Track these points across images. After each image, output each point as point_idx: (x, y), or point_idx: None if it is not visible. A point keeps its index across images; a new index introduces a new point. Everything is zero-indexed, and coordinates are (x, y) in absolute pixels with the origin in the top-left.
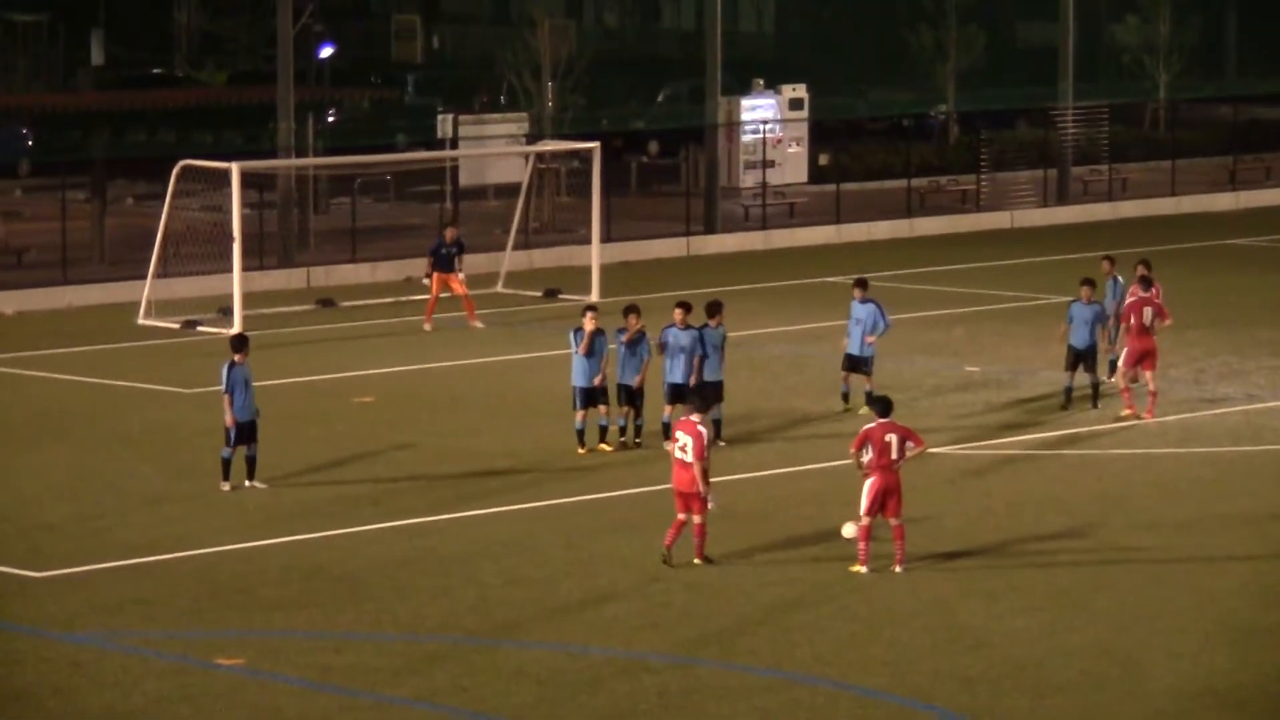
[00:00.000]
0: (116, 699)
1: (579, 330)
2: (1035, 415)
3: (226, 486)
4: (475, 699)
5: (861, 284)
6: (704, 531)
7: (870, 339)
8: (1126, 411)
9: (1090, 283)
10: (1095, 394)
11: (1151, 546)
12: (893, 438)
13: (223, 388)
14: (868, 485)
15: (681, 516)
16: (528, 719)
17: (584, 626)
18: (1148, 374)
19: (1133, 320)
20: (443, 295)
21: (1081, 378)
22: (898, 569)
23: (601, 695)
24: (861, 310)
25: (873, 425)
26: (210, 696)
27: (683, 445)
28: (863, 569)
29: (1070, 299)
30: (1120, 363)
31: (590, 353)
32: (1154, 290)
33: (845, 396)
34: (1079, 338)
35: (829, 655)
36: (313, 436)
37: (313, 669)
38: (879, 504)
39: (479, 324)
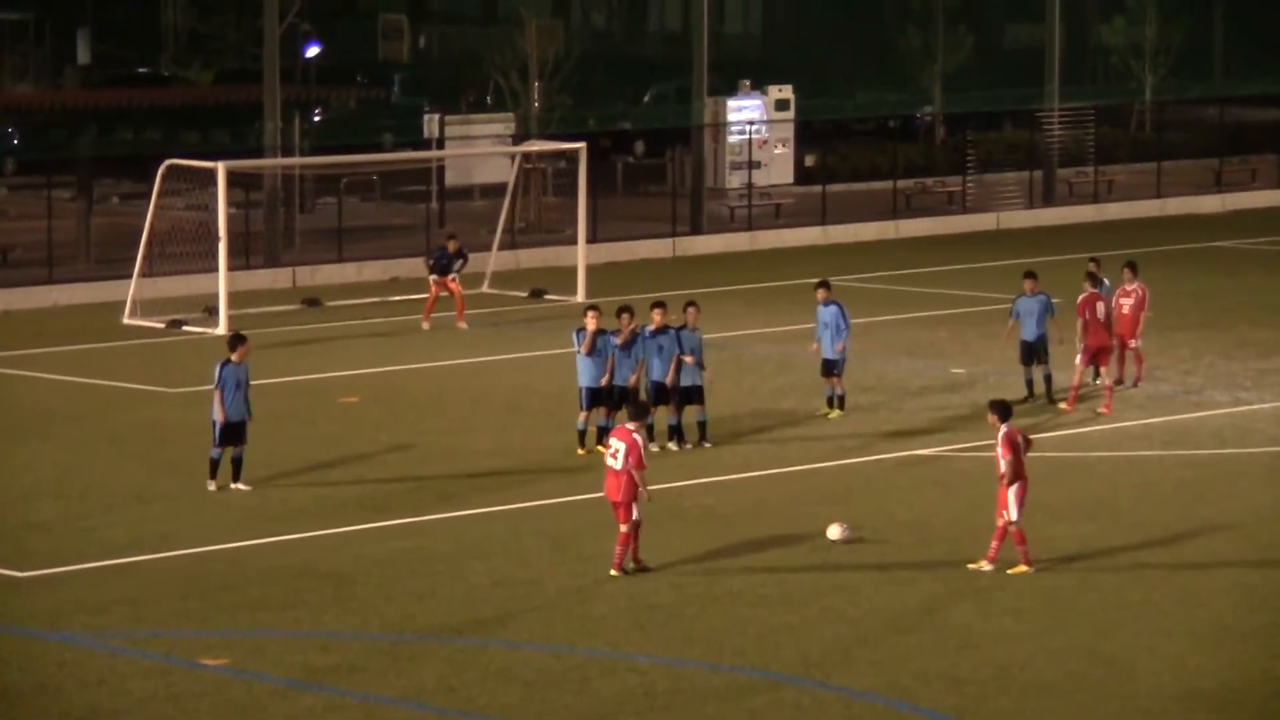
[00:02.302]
0: (102, 698)
1: (581, 330)
2: (1021, 417)
3: (213, 486)
4: (462, 699)
5: (824, 285)
6: (629, 540)
7: (839, 347)
8: (1102, 410)
9: (1033, 275)
10: (1049, 385)
11: (1137, 549)
12: (1020, 439)
13: (214, 384)
14: (1015, 489)
15: (624, 528)
16: (515, 718)
17: (571, 626)
18: (1103, 369)
19: (1087, 316)
20: (442, 295)
21: (1039, 370)
22: (988, 566)
23: (588, 695)
24: (826, 313)
25: (1007, 429)
26: (195, 696)
27: (614, 452)
28: (1028, 569)
29: (1015, 295)
30: (1077, 360)
31: (593, 352)
32: (1138, 286)
33: (829, 400)
34: (1028, 330)
35: (816, 656)
36: (298, 436)
37: (298, 668)
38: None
39: (464, 325)
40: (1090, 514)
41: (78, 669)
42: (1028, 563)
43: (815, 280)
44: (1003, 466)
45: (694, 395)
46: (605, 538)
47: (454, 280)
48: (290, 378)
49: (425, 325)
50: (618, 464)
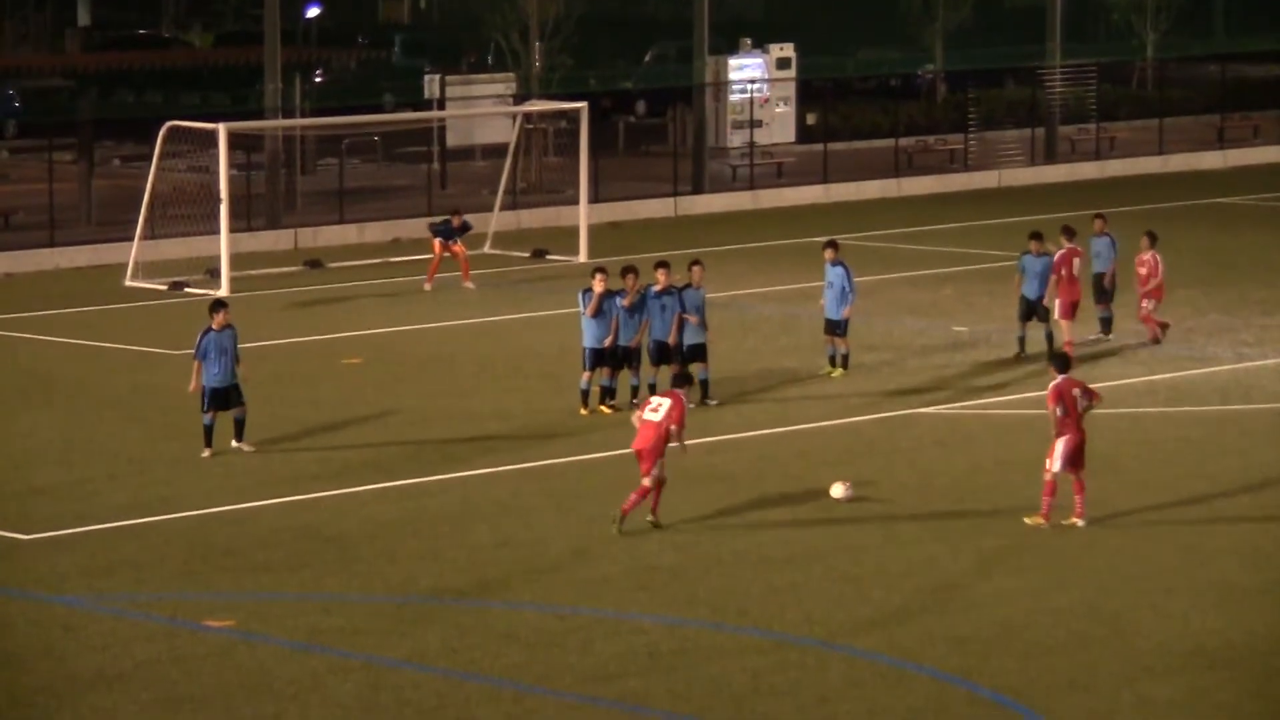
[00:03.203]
0: (106, 662)
1: (588, 291)
2: (1024, 375)
3: (207, 453)
4: (465, 660)
5: (832, 245)
6: (646, 494)
7: (845, 311)
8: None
9: (1039, 236)
10: (1050, 344)
11: (1141, 507)
12: (1076, 392)
13: (195, 353)
14: (1062, 442)
15: (646, 481)
16: (518, 680)
17: (574, 588)
18: (1068, 324)
19: (1063, 271)
20: (445, 257)
21: (1036, 328)
22: (1080, 522)
23: (592, 656)
24: (832, 273)
25: (1060, 381)
26: (200, 659)
27: (655, 406)
28: (1043, 522)
29: (1021, 253)
30: (1055, 314)
31: (599, 313)
32: (1151, 255)
33: (831, 359)
34: (1030, 289)
35: (819, 616)
36: (301, 398)
37: (302, 631)
38: (1071, 459)
39: (471, 285)
40: (1093, 471)
41: (82, 632)
42: (1045, 517)
43: (823, 239)
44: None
45: (698, 353)
46: (609, 499)
47: (456, 243)
48: (293, 339)
49: (427, 286)
50: (657, 416)
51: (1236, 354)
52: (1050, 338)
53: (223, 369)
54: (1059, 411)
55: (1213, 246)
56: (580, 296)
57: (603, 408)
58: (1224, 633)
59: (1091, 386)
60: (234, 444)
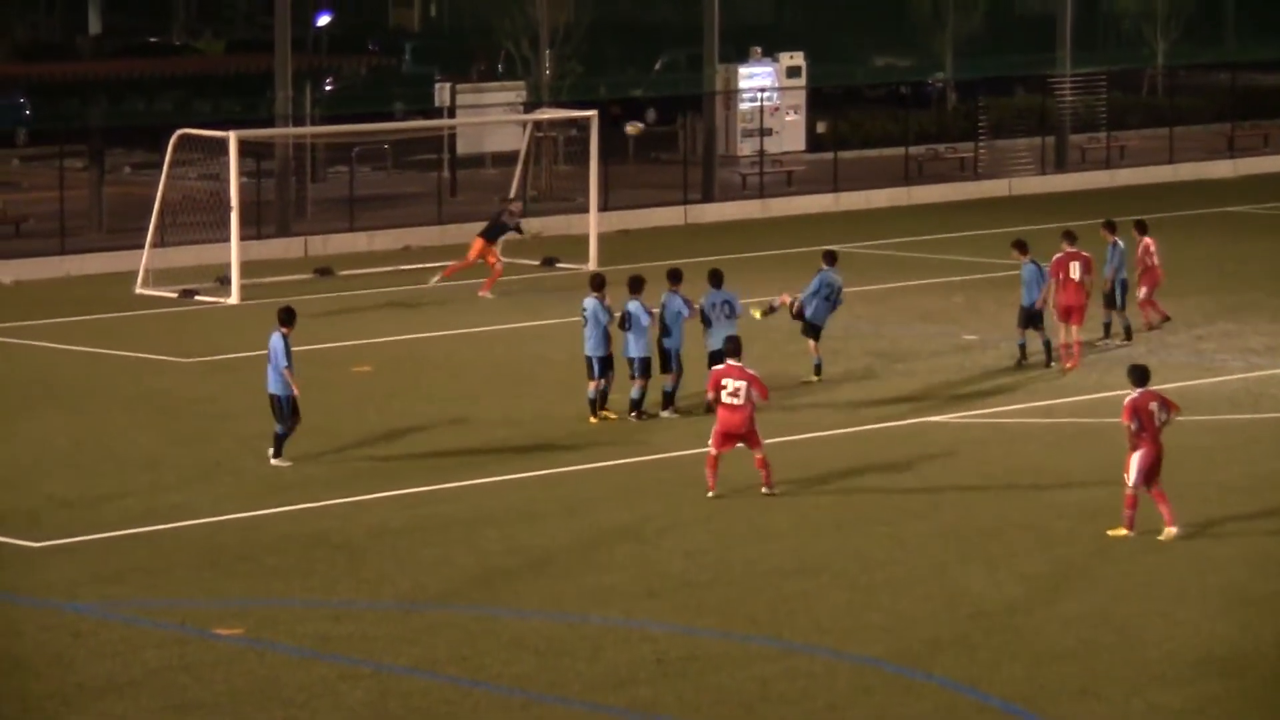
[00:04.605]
0: (116, 668)
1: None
2: (1033, 383)
3: (285, 463)
4: (475, 667)
5: (829, 257)
6: (766, 463)
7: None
8: (1068, 365)
9: (1021, 245)
10: (1048, 352)
11: (1150, 514)
12: (1154, 406)
13: (285, 362)
14: (1138, 456)
15: (714, 453)
16: (527, 687)
17: (584, 595)
18: (1074, 327)
19: (1061, 276)
20: (486, 261)
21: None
22: (1174, 530)
23: (601, 663)
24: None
25: (1137, 395)
26: (210, 666)
27: (734, 390)
28: (1128, 533)
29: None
30: (1054, 319)
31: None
32: (1142, 250)
33: (817, 368)
34: (1028, 298)
35: (828, 623)
36: (312, 406)
37: (312, 638)
38: (1149, 474)
39: (489, 295)
40: (1103, 479)
41: (92, 639)
42: (1129, 526)
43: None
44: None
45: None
46: (618, 506)
47: (496, 251)
48: (303, 347)
49: (486, 295)
50: (739, 400)
51: (1246, 362)
52: (1048, 346)
53: (280, 377)
54: (1134, 426)
55: (1223, 255)
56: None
57: (605, 412)
58: (1234, 640)
59: (1169, 398)
60: (273, 460)
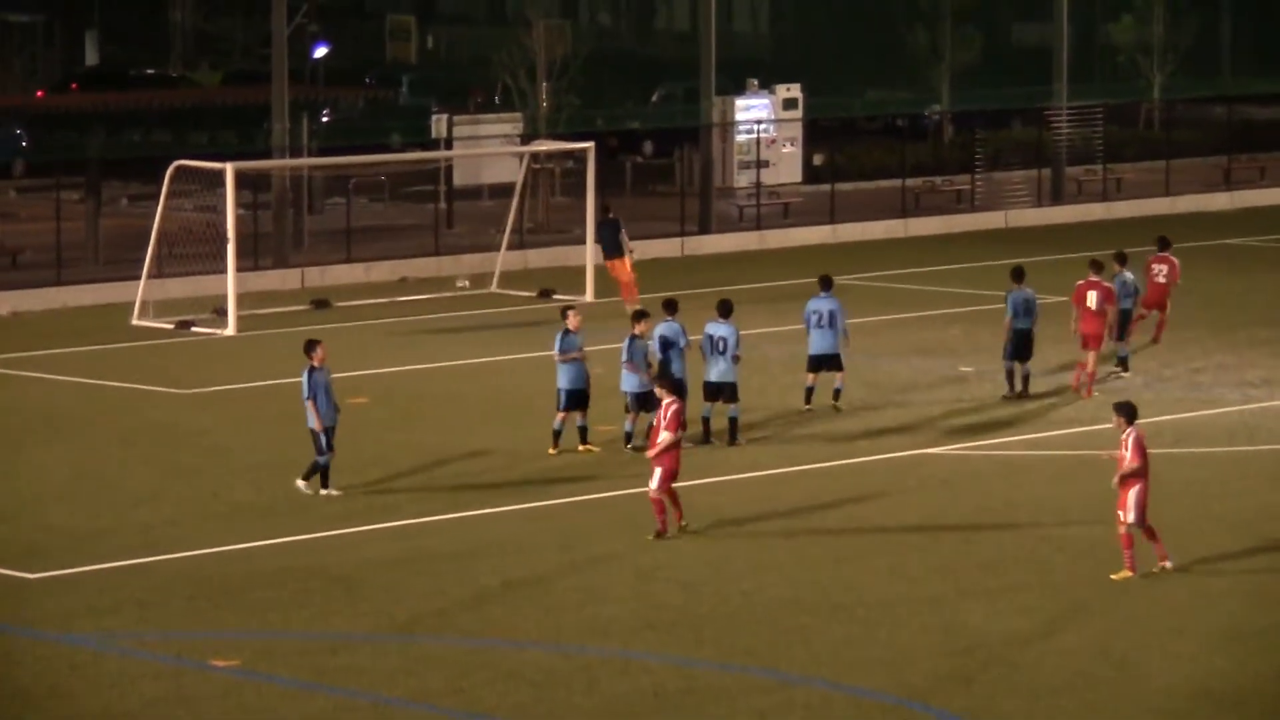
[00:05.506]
0: (113, 700)
1: (565, 332)
2: (1030, 415)
3: (335, 491)
4: (471, 700)
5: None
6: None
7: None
8: (1084, 395)
9: (1018, 273)
10: (1025, 383)
11: (1147, 547)
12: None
13: (305, 394)
14: (1135, 492)
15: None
16: (524, 719)
17: (580, 627)
18: (1090, 355)
19: (1080, 304)
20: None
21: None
22: (1168, 564)
23: (597, 696)
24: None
25: (1140, 432)
26: (206, 698)
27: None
28: (1131, 574)
29: (1006, 291)
30: (1079, 346)
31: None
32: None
33: (835, 394)
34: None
35: (826, 656)
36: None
37: (308, 670)
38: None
39: (636, 305)
40: (1100, 513)
41: (89, 671)
42: (1132, 569)
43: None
44: (1125, 465)
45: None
46: (613, 538)
47: (626, 259)
48: (299, 379)
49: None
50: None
51: (1243, 395)
52: (1027, 379)
53: (330, 405)
54: (1136, 461)
55: (1219, 288)
56: (559, 338)
57: (582, 447)
58: (1231, 675)
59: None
60: (322, 491)
